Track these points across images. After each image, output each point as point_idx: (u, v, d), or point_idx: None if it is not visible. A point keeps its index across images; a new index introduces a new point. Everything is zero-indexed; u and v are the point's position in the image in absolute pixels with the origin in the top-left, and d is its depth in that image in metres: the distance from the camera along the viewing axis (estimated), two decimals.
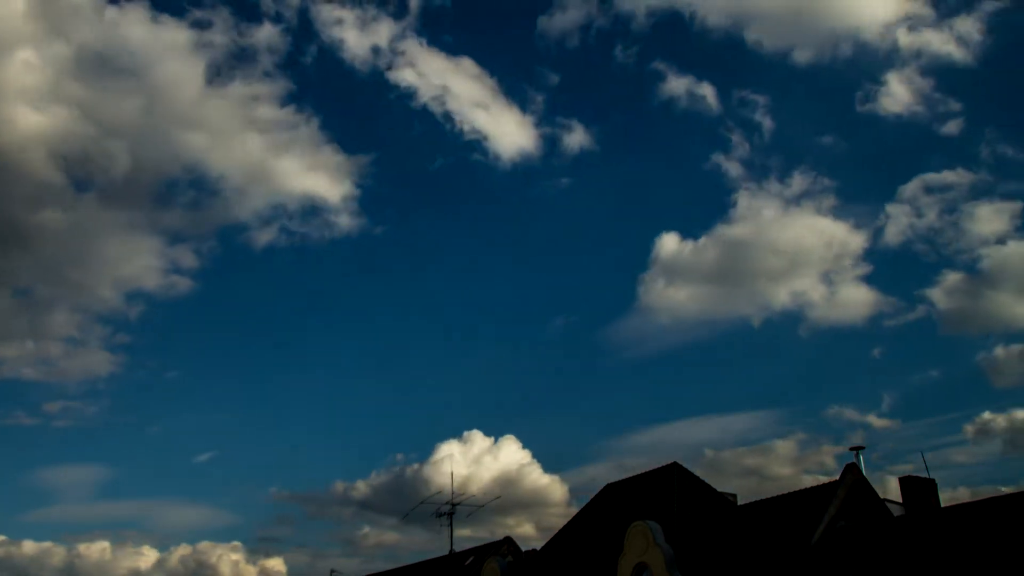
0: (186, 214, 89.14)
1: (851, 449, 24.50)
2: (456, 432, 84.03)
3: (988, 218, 74.58)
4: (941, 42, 79.17)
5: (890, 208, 78.38)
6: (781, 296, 76.30)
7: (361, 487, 77.83)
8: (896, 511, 23.36)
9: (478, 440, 66.97)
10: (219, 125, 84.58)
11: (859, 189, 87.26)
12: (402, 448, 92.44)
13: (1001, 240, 74.07)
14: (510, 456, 65.33)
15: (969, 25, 79.87)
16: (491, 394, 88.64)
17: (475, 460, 66.57)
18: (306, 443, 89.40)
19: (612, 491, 31.07)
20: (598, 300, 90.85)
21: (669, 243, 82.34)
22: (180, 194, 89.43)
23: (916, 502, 23.60)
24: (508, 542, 34.66)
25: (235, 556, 72.75)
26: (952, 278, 76.12)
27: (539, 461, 68.70)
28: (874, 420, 73.84)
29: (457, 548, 37.04)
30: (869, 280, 79.30)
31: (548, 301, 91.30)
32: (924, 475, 24.39)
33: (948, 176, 77.39)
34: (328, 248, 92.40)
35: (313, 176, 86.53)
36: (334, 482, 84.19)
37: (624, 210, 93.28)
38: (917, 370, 78.11)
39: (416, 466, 71.19)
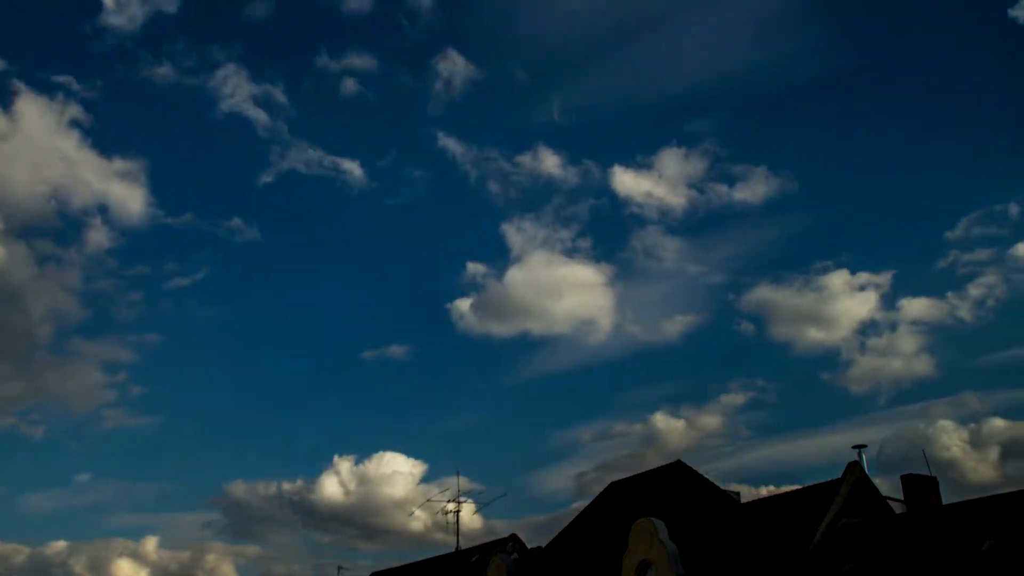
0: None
1: (853, 447, 24.66)
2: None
3: None
4: None
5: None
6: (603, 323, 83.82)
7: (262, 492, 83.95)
8: (898, 508, 23.55)
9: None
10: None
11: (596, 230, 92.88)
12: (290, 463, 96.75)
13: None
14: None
15: None
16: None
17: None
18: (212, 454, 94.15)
19: (616, 489, 31.29)
20: (419, 327, 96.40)
21: (476, 271, 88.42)
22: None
23: (918, 499, 23.80)
24: (514, 539, 34.89)
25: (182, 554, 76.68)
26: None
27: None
28: (707, 421, 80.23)
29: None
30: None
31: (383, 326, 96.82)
32: (926, 472, 24.61)
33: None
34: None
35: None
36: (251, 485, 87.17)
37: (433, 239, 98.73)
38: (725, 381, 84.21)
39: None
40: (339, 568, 44.14)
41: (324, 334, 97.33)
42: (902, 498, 23.99)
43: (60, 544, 78.39)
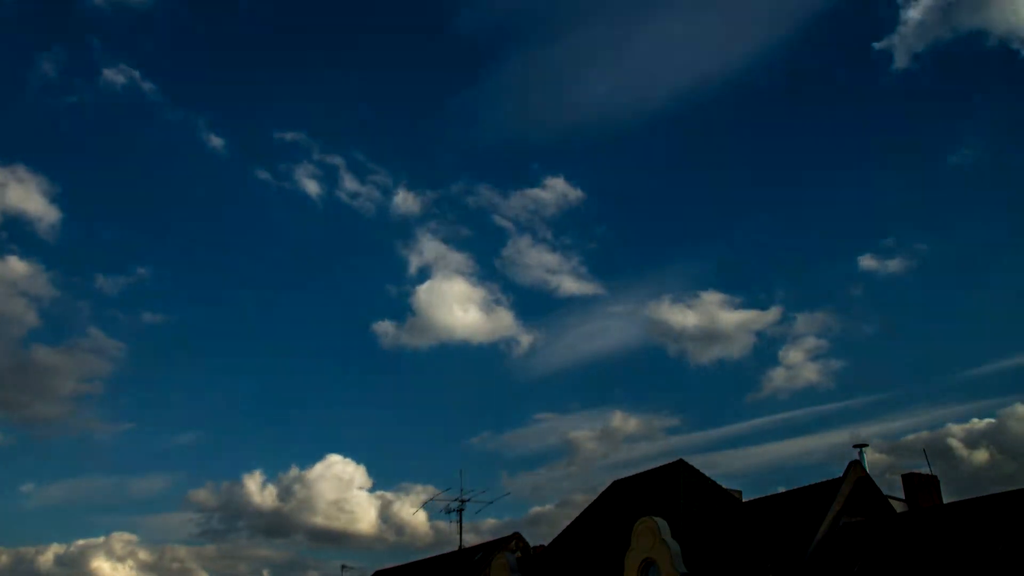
0: None
1: (855, 447, 24.81)
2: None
3: None
4: None
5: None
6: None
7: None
8: (899, 508, 23.67)
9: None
10: None
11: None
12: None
13: None
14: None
15: None
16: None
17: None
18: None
19: (619, 488, 31.43)
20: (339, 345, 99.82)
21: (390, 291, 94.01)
22: None
23: (919, 498, 23.93)
24: (517, 538, 35.05)
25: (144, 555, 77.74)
26: None
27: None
28: (622, 429, 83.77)
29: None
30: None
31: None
32: (926, 471, 24.74)
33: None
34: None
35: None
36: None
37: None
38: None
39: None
40: (343, 567, 44.36)
41: (270, 348, 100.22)
42: (903, 497, 24.11)
43: (35, 546, 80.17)
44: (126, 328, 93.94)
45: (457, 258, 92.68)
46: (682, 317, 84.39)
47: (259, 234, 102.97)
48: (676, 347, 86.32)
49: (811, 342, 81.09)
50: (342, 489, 74.85)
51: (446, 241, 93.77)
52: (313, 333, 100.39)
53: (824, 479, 23.71)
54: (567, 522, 31.69)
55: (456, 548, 38.53)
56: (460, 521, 38.56)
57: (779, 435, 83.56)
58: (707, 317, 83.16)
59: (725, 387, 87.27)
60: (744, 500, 27.91)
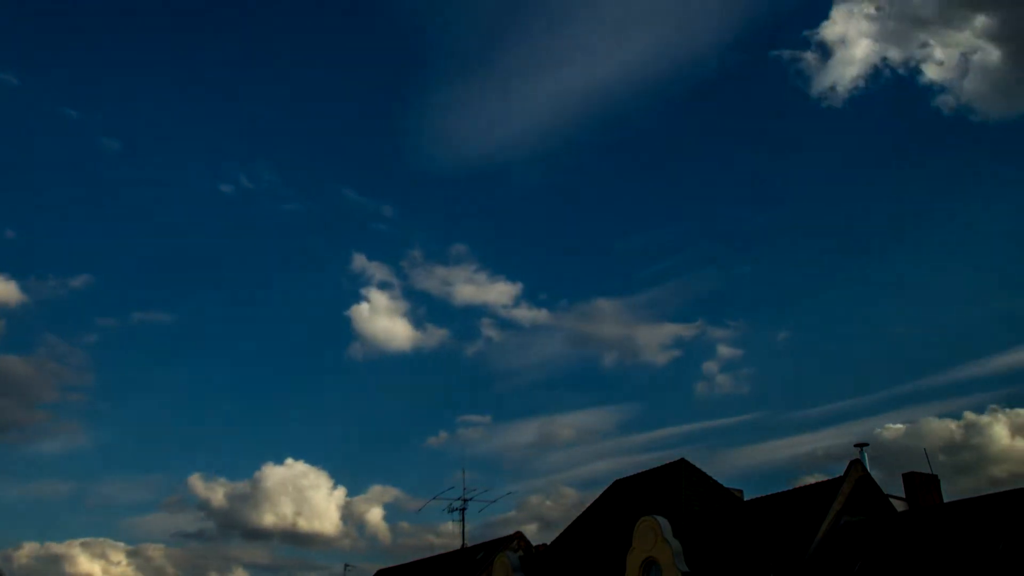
0: None
1: (856, 446, 24.89)
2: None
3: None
4: None
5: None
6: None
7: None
8: (900, 507, 23.74)
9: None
10: None
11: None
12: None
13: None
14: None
15: None
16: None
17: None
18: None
19: (621, 487, 31.52)
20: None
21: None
22: None
23: (919, 497, 23.99)
24: (519, 537, 35.16)
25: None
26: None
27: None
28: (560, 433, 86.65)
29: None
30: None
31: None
32: (927, 471, 24.80)
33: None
34: None
35: None
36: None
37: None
38: None
39: None
40: (345, 566, 44.49)
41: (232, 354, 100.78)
42: (904, 496, 24.18)
43: (9, 547, 79.76)
44: (83, 334, 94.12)
45: (381, 269, 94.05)
46: (608, 328, 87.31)
47: (185, 239, 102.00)
48: (602, 354, 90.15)
49: (729, 352, 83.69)
50: (306, 492, 76.64)
51: (361, 250, 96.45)
52: (268, 344, 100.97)
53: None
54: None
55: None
56: (463, 520, 38.71)
57: (715, 441, 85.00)
58: (628, 328, 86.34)
59: (659, 393, 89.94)
60: (745, 499, 28.01)
